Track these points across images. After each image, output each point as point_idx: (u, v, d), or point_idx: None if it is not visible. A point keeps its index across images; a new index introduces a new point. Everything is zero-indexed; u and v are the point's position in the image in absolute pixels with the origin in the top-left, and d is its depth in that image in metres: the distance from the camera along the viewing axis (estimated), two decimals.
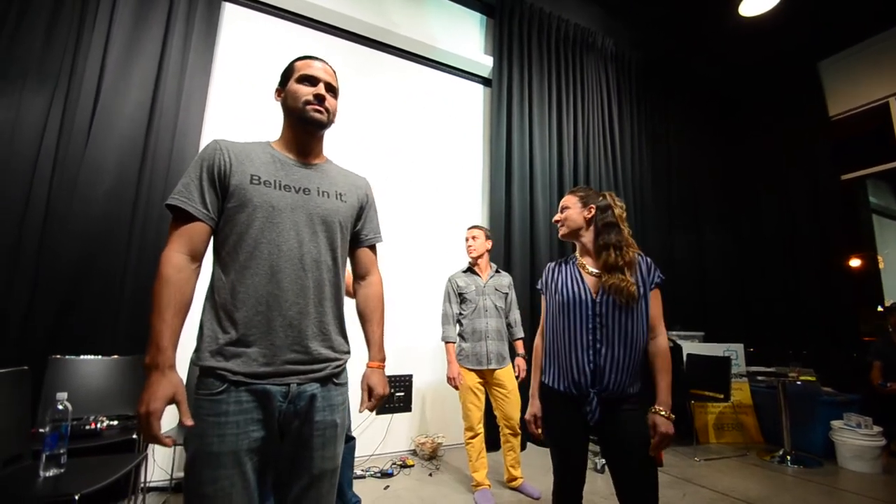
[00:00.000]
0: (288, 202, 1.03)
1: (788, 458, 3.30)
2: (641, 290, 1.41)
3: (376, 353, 1.21)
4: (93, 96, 2.50)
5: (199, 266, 1.01)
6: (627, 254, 1.43)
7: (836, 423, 3.32)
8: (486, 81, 4.23)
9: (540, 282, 1.64)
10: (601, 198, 1.54)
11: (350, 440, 2.15)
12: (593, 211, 1.51)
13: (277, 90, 1.16)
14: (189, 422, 0.89)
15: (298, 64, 1.14)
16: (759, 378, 3.72)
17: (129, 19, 2.65)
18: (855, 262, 4.87)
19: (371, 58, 3.70)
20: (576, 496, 1.46)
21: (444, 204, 3.84)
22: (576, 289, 1.46)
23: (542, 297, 1.62)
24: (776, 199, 5.14)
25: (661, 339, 1.43)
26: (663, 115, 5.18)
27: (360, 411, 1.20)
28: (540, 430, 1.51)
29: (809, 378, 3.45)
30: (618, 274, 1.40)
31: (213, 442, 0.90)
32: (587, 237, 1.52)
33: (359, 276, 1.26)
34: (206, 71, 2.91)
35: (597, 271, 1.46)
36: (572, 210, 1.54)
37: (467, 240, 2.72)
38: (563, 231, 1.56)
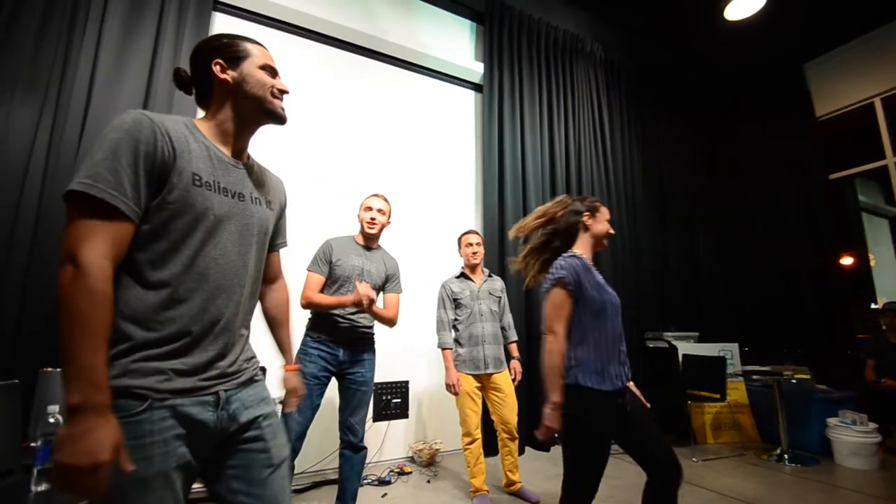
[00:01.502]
0: (226, 210, 0.92)
1: (786, 456, 3.31)
2: None
3: (291, 356, 1.27)
4: (83, 106, 2.49)
5: None
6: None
7: (831, 421, 3.34)
8: (477, 87, 4.26)
9: (567, 279, 1.50)
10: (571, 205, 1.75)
11: (361, 450, 2.11)
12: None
13: (220, 65, 0.95)
14: (131, 467, 0.74)
15: (253, 48, 1.00)
16: (755, 377, 3.74)
17: (119, 30, 2.66)
18: (847, 261, 4.93)
19: (362, 65, 3.72)
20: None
21: (437, 209, 3.85)
22: (609, 289, 1.57)
23: (567, 295, 1.49)
24: (767, 199, 5.20)
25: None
26: (653, 118, 5.24)
27: (285, 412, 1.28)
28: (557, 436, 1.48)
29: (804, 376, 3.48)
30: None
31: (139, 467, 0.76)
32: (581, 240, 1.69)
33: (268, 280, 1.20)
34: None
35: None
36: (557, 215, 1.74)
37: (471, 245, 2.68)
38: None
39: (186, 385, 0.85)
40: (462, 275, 2.73)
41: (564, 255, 1.57)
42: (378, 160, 3.60)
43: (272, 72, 1.00)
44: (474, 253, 2.68)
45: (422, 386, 3.48)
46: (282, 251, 1.23)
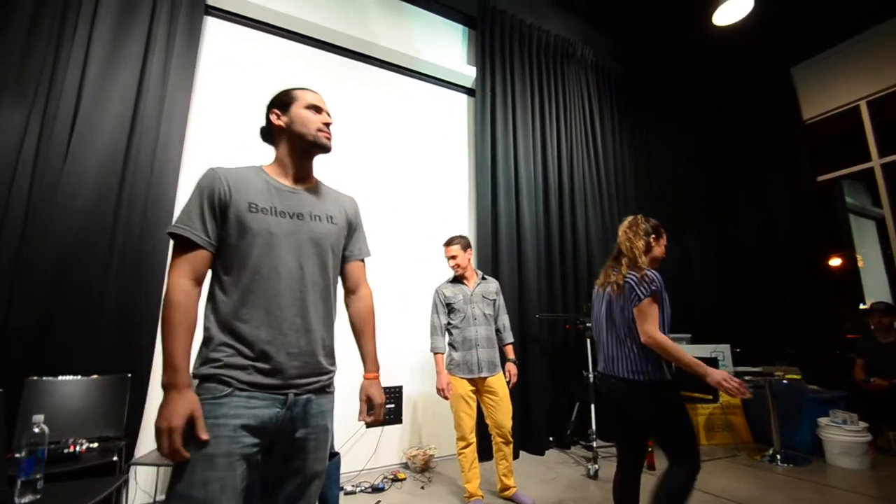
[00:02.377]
0: (284, 228, 1.10)
1: (778, 456, 3.33)
2: None
3: (371, 364, 1.30)
4: (72, 110, 2.46)
5: (201, 289, 1.08)
6: None
7: (822, 421, 3.37)
8: (469, 91, 4.27)
9: (656, 285, 1.75)
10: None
11: (334, 455, 2.10)
12: None
13: (275, 114, 1.19)
14: (205, 436, 0.93)
15: (299, 93, 1.20)
16: (747, 378, 3.74)
17: (109, 34, 2.63)
18: (835, 262, 4.98)
19: (353, 69, 3.72)
20: None
21: (429, 213, 3.85)
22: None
23: (655, 300, 1.74)
24: (756, 201, 5.25)
25: None
26: (644, 122, 5.29)
27: (360, 420, 1.27)
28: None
29: (795, 376, 3.50)
30: None
31: (209, 444, 0.92)
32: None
33: (349, 290, 1.33)
34: (188, 84, 2.89)
35: None
36: None
37: (449, 259, 2.67)
38: None
39: (264, 382, 1.02)
40: (455, 279, 2.73)
41: (646, 270, 1.78)
42: (371, 164, 3.60)
43: (317, 109, 1.20)
44: (455, 265, 2.67)
45: (416, 391, 3.46)
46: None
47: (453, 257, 2.66)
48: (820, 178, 4.93)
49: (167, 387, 0.94)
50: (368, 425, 1.13)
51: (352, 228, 1.30)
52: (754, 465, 3.29)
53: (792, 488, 2.82)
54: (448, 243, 2.69)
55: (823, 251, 4.73)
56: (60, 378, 2.18)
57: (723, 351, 4.04)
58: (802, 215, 4.81)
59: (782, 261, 4.89)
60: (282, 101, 1.20)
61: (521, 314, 3.73)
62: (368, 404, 1.27)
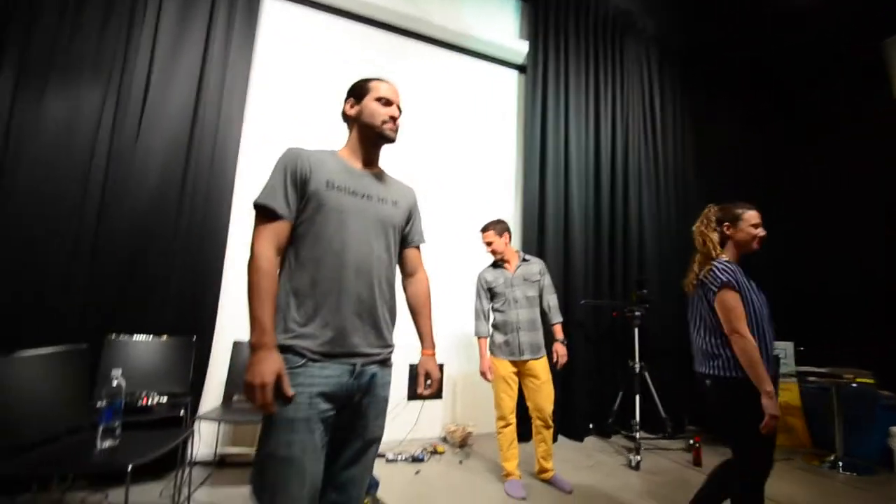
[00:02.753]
0: (355, 206, 1.18)
1: (840, 463, 3.11)
2: None
3: (429, 342, 1.39)
4: (142, 90, 2.63)
5: (281, 257, 1.15)
6: None
7: (895, 430, 3.10)
8: (520, 68, 4.14)
9: (726, 276, 1.67)
10: None
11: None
12: None
13: (350, 103, 1.28)
14: (291, 392, 1.02)
15: (374, 84, 1.27)
16: (811, 379, 3.50)
17: (175, 15, 2.76)
18: None
19: (404, 46, 3.70)
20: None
21: (476, 194, 3.81)
22: (763, 303, 1.69)
23: (735, 292, 1.65)
24: (835, 186, 4.78)
25: None
26: (708, 102, 4.90)
27: (419, 392, 1.36)
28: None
29: (867, 380, 3.22)
30: None
31: (288, 409, 1.02)
32: None
33: (407, 273, 1.42)
34: (247, 63, 2.99)
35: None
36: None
37: (485, 245, 2.65)
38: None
39: (335, 351, 1.10)
40: (496, 263, 2.71)
41: (716, 261, 1.71)
42: (419, 144, 3.59)
43: (387, 102, 1.26)
44: (492, 251, 2.64)
45: (457, 369, 3.50)
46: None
47: (489, 243, 2.64)
48: None
49: (257, 346, 1.01)
50: (425, 398, 1.30)
51: (412, 215, 1.38)
52: (812, 470, 3.10)
53: (852, 498, 2.64)
54: (484, 230, 2.67)
55: None
56: (135, 337, 2.39)
57: (785, 349, 3.79)
58: (888, 202, 4.33)
59: (860, 252, 4.45)
60: (357, 91, 1.28)
61: (566, 299, 3.65)
62: (426, 378, 1.36)
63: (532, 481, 2.61)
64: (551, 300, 2.72)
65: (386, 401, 1.23)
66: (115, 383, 1.75)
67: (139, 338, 2.40)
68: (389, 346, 1.24)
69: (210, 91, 2.79)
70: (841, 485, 2.86)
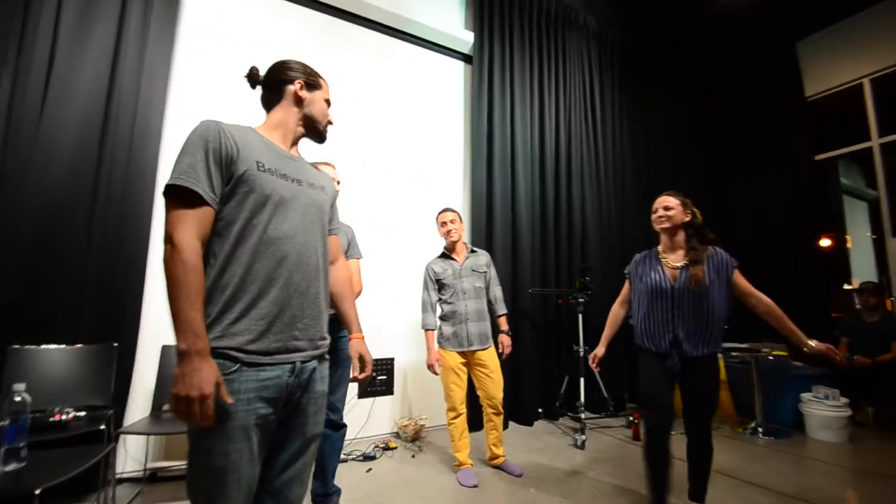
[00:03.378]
0: (290, 191, 1.09)
1: (760, 429, 3.42)
2: (711, 276, 1.86)
3: (356, 326, 1.36)
4: (45, 66, 2.32)
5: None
6: (704, 252, 1.90)
7: (805, 396, 3.45)
8: (466, 58, 4.12)
9: (627, 269, 2.16)
10: (692, 206, 1.97)
11: (341, 427, 2.09)
12: (689, 216, 1.94)
13: (301, 84, 1.20)
14: (230, 400, 0.93)
15: (324, 83, 1.27)
16: (734, 354, 3.82)
17: None
18: (825, 242, 5.00)
19: (343, 31, 3.55)
20: (665, 431, 1.89)
21: (423, 185, 3.76)
22: (658, 279, 1.92)
23: (627, 281, 2.17)
24: (753, 179, 5.21)
25: (762, 297, 1.96)
26: (644, 96, 5.16)
27: (351, 377, 1.33)
28: (594, 364, 2.29)
29: (781, 353, 3.56)
30: (698, 266, 1.85)
31: (225, 418, 0.94)
32: (679, 235, 1.95)
33: (330, 261, 1.33)
34: (170, 38, 2.74)
35: (677, 265, 1.91)
36: (676, 211, 1.94)
37: (445, 224, 2.64)
38: (664, 224, 1.95)
39: (271, 350, 1.01)
40: (444, 254, 2.69)
41: (715, 248, 1.97)
42: (360, 133, 3.48)
43: (328, 104, 1.27)
44: (449, 231, 2.63)
45: (407, 362, 3.47)
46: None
47: (452, 222, 2.63)
48: (817, 158, 4.89)
49: (187, 353, 0.89)
50: (361, 384, 1.28)
51: (333, 201, 1.32)
52: (736, 438, 3.38)
53: (772, 459, 2.91)
54: (445, 210, 2.67)
55: (815, 231, 4.74)
56: (43, 347, 2.13)
57: None
58: (797, 194, 4.78)
59: (774, 239, 4.89)
60: (311, 80, 1.23)
61: (513, 288, 3.73)
62: (361, 362, 1.32)
63: (483, 469, 2.64)
64: (497, 292, 2.75)
65: (324, 395, 1.16)
66: (17, 399, 1.56)
67: (48, 347, 2.14)
68: (326, 338, 1.17)
69: (128, 67, 2.52)
70: (762, 448, 3.14)
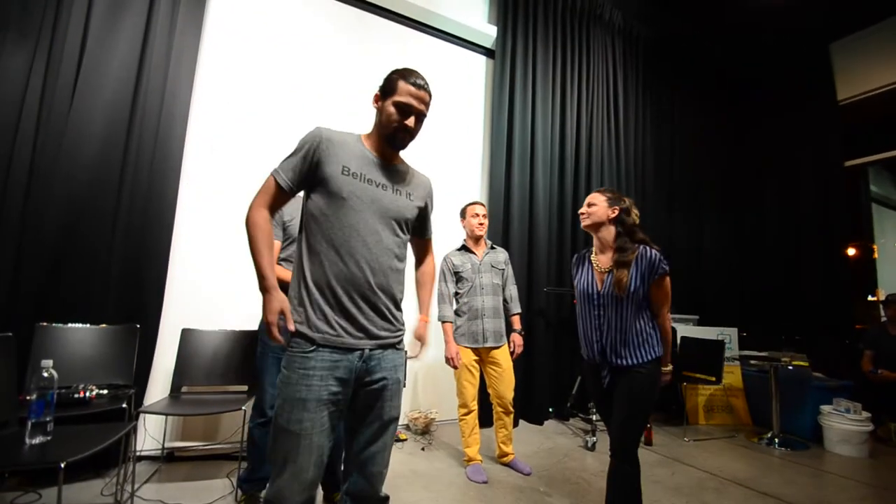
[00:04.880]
0: (369, 195, 1.22)
1: (776, 440, 3.35)
2: (637, 282, 1.67)
3: (426, 310, 1.52)
4: (77, 53, 2.37)
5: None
6: (632, 254, 1.69)
7: (825, 408, 3.36)
8: (488, 52, 4.08)
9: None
10: (623, 202, 1.77)
11: None
12: (616, 212, 1.76)
13: (377, 96, 1.31)
14: (292, 327, 1.14)
15: (401, 85, 1.26)
16: (752, 362, 3.74)
17: None
18: (852, 251, 4.86)
19: (367, 23, 3.54)
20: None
21: (441, 178, 3.73)
22: (586, 283, 1.81)
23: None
24: (780, 184, 5.08)
25: (664, 322, 1.75)
26: (669, 94, 5.06)
27: (412, 356, 1.48)
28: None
29: (802, 363, 3.47)
30: (623, 270, 1.67)
31: (302, 390, 1.11)
32: (605, 233, 1.78)
33: (418, 259, 1.57)
34: (197, 29, 2.77)
35: (604, 268, 1.76)
36: (599, 207, 1.78)
37: (477, 216, 2.64)
38: (586, 222, 1.81)
39: (343, 336, 1.16)
40: (464, 247, 2.68)
41: (648, 247, 1.72)
42: None
43: (405, 111, 1.26)
44: (480, 224, 2.63)
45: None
46: None
47: (484, 216, 2.65)
48: (848, 164, 4.74)
49: (261, 290, 1.13)
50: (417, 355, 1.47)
51: (426, 208, 1.45)
52: (751, 447, 3.32)
53: (787, 471, 2.85)
54: (476, 203, 2.70)
55: (842, 240, 4.60)
56: (70, 325, 2.20)
57: (730, 334, 4.02)
58: (827, 201, 4.65)
59: (801, 246, 4.77)
60: (385, 86, 1.31)
61: (529, 287, 3.71)
62: (419, 340, 1.48)
63: (493, 465, 2.65)
64: (513, 291, 2.74)
65: (399, 382, 1.29)
66: (45, 374, 1.60)
67: (74, 326, 2.21)
68: (399, 329, 1.29)
69: (156, 55, 2.55)
70: (777, 459, 3.08)
